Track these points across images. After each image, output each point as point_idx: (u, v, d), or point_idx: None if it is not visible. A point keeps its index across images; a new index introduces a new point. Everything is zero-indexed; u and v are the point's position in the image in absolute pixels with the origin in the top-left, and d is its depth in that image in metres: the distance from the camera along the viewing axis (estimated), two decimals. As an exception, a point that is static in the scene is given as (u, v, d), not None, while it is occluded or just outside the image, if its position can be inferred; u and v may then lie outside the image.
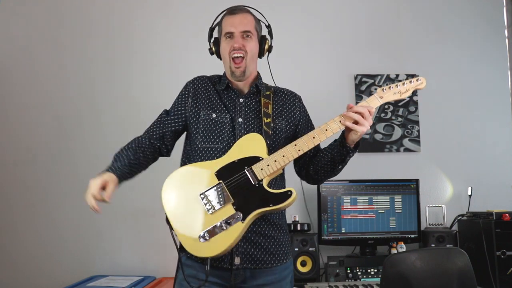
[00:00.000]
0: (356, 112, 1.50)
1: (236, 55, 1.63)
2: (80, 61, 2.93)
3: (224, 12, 1.72)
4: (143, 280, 2.53)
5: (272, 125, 1.64)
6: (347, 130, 1.54)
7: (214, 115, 1.64)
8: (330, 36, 3.06)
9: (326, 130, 1.54)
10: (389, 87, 1.59)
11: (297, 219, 2.68)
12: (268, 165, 1.52)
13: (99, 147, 2.85)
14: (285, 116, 1.69)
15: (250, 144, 1.56)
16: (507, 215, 2.50)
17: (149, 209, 2.80)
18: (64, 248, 2.77)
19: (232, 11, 1.68)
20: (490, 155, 3.03)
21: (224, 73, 1.74)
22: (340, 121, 1.53)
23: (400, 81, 1.61)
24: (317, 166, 1.66)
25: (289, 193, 1.50)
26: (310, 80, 2.98)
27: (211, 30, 1.79)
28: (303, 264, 2.53)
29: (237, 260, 1.55)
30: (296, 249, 2.52)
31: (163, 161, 2.97)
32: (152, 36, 2.96)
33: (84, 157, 2.84)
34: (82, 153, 2.85)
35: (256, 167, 1.52)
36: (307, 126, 1.74)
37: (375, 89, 2.98)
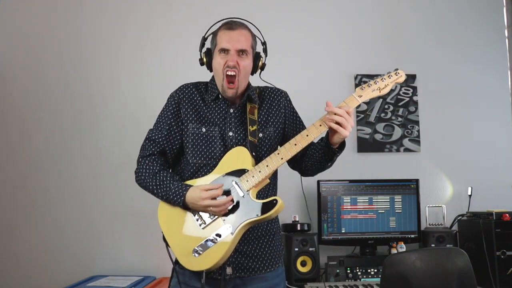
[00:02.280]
0: (334, 113, 1.50)
1: (230, 73, 1.59)
2: (80, 62, 2.92)
3: (220, 25, 1.66)
4: (143, 280, 2.53)
5: (258, 133, 1.64)
6: (331, 131, 1.55)
7: (203, 129, 1.63)
8: (330, 36, 3.06)
9: (307, 135, 1.56)
10: (368, 85, 1.58)
11: (297, 219, 2.68)
12: (253, 176, 1.54)
13: (99, 148, 2.86)
14: (272, 122, 1.68)
15: (237, 158, 1.58)
16: (507, 215, 2.50)
17: (149, 209, 2.77)
18: (64, 248, 2.77)
19: (230, 26, 1.63)
20: (490, 155, 3.03)
21: (211, 80, 1.70)
22: (320, 125, 1.55)
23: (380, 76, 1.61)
24: (307, 163, 1.67)
25: (275, 201, 1.51)
26: (310, 80, 2.98)
27: (204, 39, 1.73)
28: (303, 264, 2.53)
29: (228, 270, 1.58)
30: (296, 249, 2.51)
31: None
32: (150, 37, 2.96)
33: (84, 157, 2.85)
34: (82, 153, 2.85)
35: (241, 179, 1.54)
36: (294, 124, 1.73)
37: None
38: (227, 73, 1.59)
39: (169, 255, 1.58)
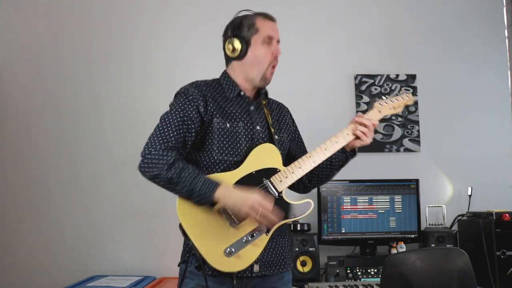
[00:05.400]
0: (362, 124, 1.63)
1: (275, 63, 1.62)
2: (81, 61, 2.93)
3: (255, 14, 1.64)
4: (143, 280, 2.53)
5: (276, 136, 1.64)
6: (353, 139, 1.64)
7: (228, 125, 1.54)
8: (330, 36, 3.06)
9: (337, 142, 1.62)
10: (386, 102, 1.74)
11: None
12: (286, 177, 1.54)
13: (99, 148, 2.86)
14: (284, 129, 1.71)
15: (266, 155, 1.56)
16: (507, 215, 2.50)
17: (149, 209, 2.80)
18: (64, 248, 2.77)
19: (270, 16, 1.65)
20: (490, 155, 3.02)
21: (225, 77, 1.63)
22: (348, 134, 1.63)
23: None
24: (312, 173, 1.65)
25: (309, 204, 1.55)
26: (310, 80, 2.98)
27: (238, 26, 1.61)
28: (303, 264, 2.53)
29: (256, 268, 1.53)
30: (296, 249, 2.52)
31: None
32: (152, 36, 2.96)
33: (85, 157, 2.85)
34: (83, 153, 2.85)
35: (274, 179, 1.53)
36: (297, 139, 1.78)
37: (374, 94, 2.99)
38: (274, 64, 1.61)
39: (198, 253, 1.43)
